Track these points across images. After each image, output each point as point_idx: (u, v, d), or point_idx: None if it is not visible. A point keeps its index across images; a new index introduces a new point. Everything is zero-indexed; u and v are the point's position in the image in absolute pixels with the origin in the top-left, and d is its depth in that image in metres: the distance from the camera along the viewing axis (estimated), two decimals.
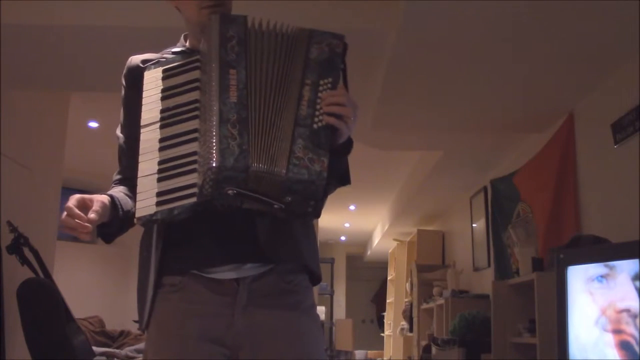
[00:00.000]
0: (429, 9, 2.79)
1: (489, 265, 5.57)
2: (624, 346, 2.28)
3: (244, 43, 1.32)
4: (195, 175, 1.29)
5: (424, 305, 6.72)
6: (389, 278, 10.02)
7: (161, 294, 1.38)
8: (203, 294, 1.36)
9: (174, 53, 1.49)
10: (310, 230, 1.49)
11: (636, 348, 2.22)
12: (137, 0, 3.25)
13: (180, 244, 1.38)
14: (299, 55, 1.34)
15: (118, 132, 1.59)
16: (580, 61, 3.29)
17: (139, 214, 1.30)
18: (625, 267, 2.33)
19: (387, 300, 9.97)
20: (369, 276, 13.35)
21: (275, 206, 1.26)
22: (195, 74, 1.40)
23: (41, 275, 4.12)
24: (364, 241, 12.05)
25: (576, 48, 3.14)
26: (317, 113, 1.29)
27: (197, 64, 1.41)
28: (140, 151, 1.37)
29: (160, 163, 1.33)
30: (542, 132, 4.40)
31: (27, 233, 4.08)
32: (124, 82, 1.54)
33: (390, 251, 9.98)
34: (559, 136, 4.09)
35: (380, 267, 11.88)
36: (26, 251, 4.08)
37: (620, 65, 3.29)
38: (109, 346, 5.57)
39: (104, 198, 1.36)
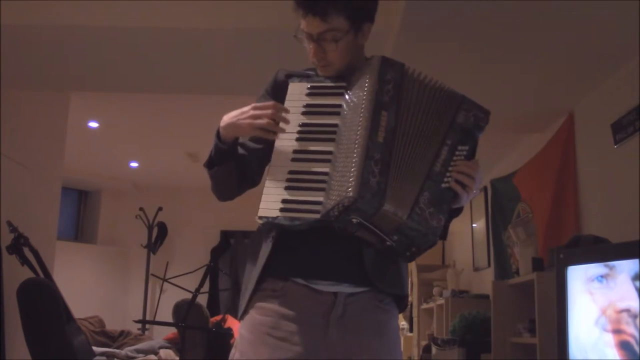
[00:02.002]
0: (429, 9, 2.79)
1: (489, 265, 5.56)
2: (624, 346, 2.28)
3: (399, 89, 1.39)
4: (321, 193, 1.36)
5: (424, 305, 6.72)
6: None
7: (261, 296, 1.46)
8: (303, 301, 1.43)
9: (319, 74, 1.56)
10: (406, 264, 1.58)
11: (636, 348, 2.22)
12: (137, 0, 3.25)
13: (290, 250, 1.45)
14: (447, 116, 1.42)
15: None
16: (580, 61, 3.29)
17: (261, 213, 1.38)
18: (625, 267, 2.33)
19: None
20: None
21: (388, 243, 1.36)
22: (339, 100, 1.47)
23: (41, 275, 4.12)
24: None
25: (576, 48, 3.14)
26: (447, 174, 1.38)
27: (342, 90, 1.48)
28: (273, 155, 1.45)
29: (290, 172, 1.41)
30: (542, 132, 4.40)
31: (27, 233, 4.08)
32: (266, 90, 1.61)
33: None
34: (559, 136, 4.09)
35: None
36: (26, 251, 4.08)
37: (620, 65, 3.29)
38: (109, 346, 5.57)
39: None
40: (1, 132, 4.00)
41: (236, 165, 1.54)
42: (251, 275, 1.48)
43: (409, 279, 7.83)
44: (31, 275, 4.06)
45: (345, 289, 1.44)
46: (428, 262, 7.35)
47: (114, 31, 3.32)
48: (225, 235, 8.24)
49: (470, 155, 1.42)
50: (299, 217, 1.36)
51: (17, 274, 3.98)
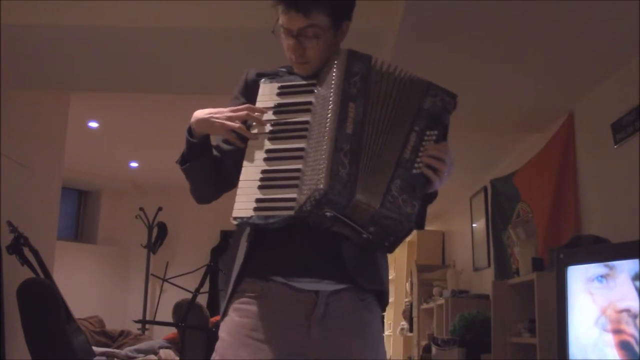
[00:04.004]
0: (429, 9, 2.79)
1: (489, 265, 5.57)
2: (624, 346, 2.28)
3: (366, 80, 1.40)
4: (295, 190, 1.36)
5: (424, 305, 6.72)
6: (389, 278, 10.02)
7: (242, 299, 1.44)
8: (284, 301, 1.42)
9: (290, 73, 1.56)
10: (386, 258, 1.57)
11: (636, 348, 2.22)
12: (137, 0, 3.25)
13: (268, 248, 1.44)
14: (413, 102, 1.42)
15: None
16: (580, 61, 3.29)
17: (236, 214, 1.38)
18: (625, 267, 2.33)
19: None
20: None
21: (364, 235, 1.36)
22: (309, 97, 1.47)
23: (41, 275, 4.12)
24: None
25: (576, 48, 3.14)
26: (418, 160, 1.37)
27: (312, 87, 1.48)
28: (246, 155, 1.44)
29: (263, 172, 1.41)
30: (542, 132, 4.40)
31: (27, 233, 4.08)
32: (238, 92, 1.62)
33: None
34: (559, 136, 4.09)
35: None
36: (26, 251, 4.08)
37: (620, 65, 3.29)
38: (109, 346, 5.57)
39: None
40: (1, 132, 4.00)
41: (212, 166, 1.54)
42: (231, 278, 1.47)
43: (409, 279, 7.83)
44: (31, 275, 4.06)
45: (326, 286, 1.43)
46: (428, 262, 7.37)
47: (114, 31, 3.32)
48: (225, 235, 8.24)
49: (440, 139, 1.41)
50: (273, 214, 1.35)
51: (17, 274, 3.98)
